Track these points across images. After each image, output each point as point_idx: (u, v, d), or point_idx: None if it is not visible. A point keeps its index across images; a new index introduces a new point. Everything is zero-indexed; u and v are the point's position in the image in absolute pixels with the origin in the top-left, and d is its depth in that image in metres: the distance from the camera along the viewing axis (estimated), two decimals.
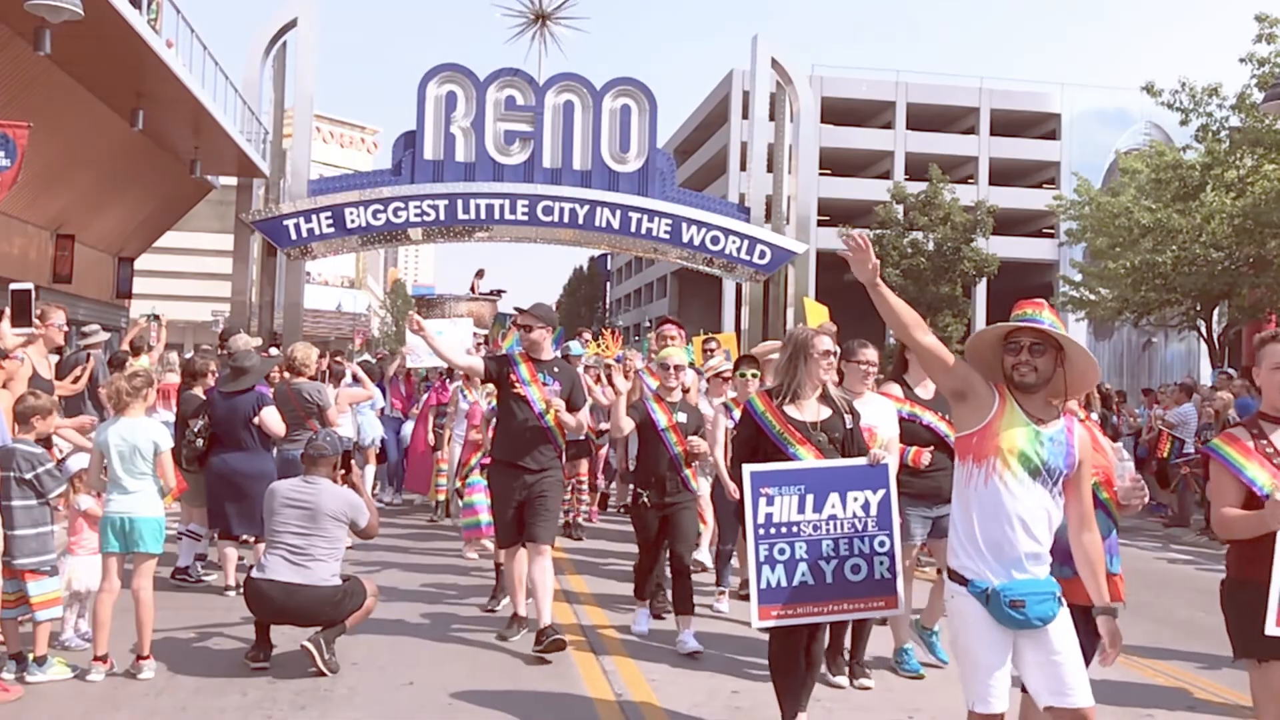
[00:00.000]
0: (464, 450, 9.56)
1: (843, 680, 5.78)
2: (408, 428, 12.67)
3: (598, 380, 10.41)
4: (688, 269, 27.67)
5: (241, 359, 7.93)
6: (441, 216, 20.86)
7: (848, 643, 5.89)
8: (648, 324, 48.20)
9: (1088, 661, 3.64)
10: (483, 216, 20.98)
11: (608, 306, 74.20)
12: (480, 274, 20.09)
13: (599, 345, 12.96)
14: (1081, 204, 25.98)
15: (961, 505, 3.63)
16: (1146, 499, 4.33)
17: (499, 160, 21.15)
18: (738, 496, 5.33)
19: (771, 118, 23.17)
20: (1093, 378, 3.67)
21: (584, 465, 10.92)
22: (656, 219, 21.35)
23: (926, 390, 6.07)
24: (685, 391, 6.96)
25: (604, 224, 21.23)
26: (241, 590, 6.35)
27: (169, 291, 46.58)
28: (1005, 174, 50.88)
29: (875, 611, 5.04)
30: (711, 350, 10.27)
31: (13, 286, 6.99)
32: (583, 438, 9.32)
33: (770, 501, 4.70)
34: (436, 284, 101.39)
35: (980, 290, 41.36)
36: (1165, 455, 13.08)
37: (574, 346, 11.65)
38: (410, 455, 12.42)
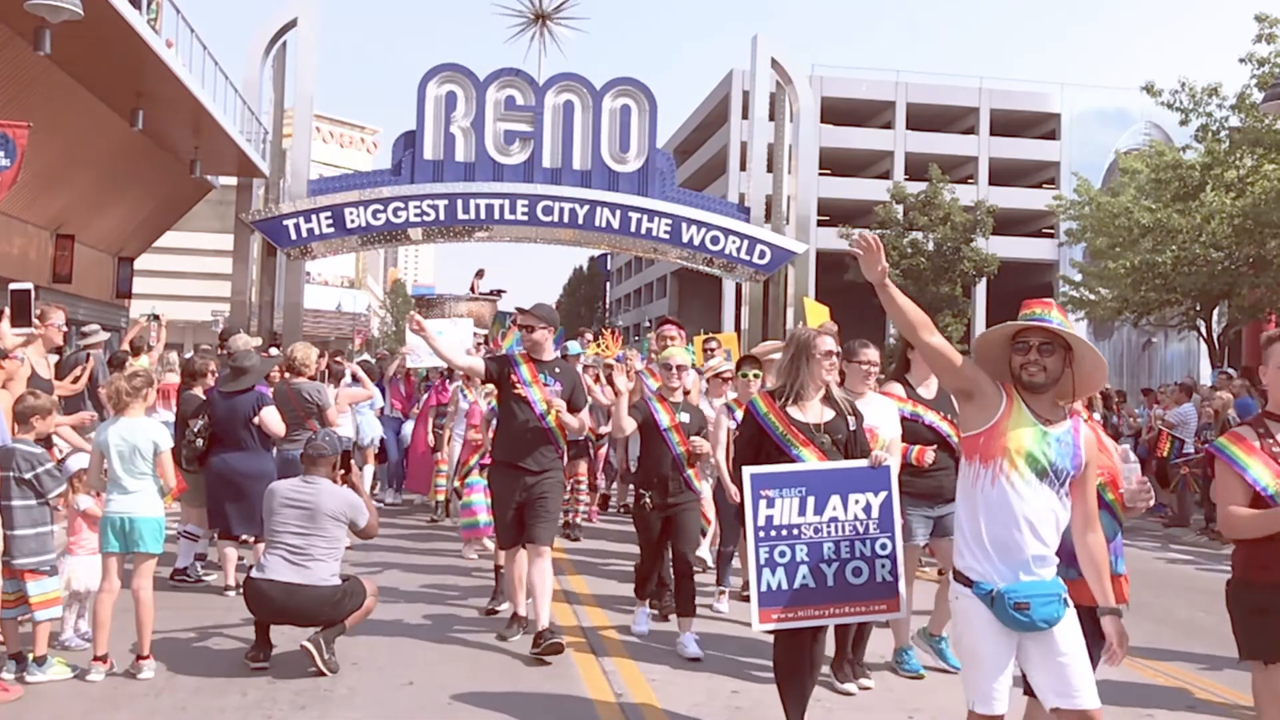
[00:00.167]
0: (463, 450, 9.55)
1: (851, 687, 5.73)
2: (408, 428, 12.65)
3: (596, 380, 10.41)
4: (688, 269, 27.66)
5: (241, 359, 7.93)
6: (441, 216, 20.85)
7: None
8: (648, 324, 48.21)
9: (1093, 663, 3.63)
10: (483, 216, 20.97)
11: (608, 306, 74.20)
12: (480, 274, 20.07)
13: (599, 345, 12.95)
14: (1081, 204, 25.99)
15: (968, 506, 3.60)
16: (1152, 502, 4.31)
17: (499, 160, 21.14)
18: (739, 499, 5.31)
19: (771, 118, 23.15)
20: (1101, 379, 3.64)
21: (583, 465, 10.91)
22: (656, 219, 21.34)
23: (929, 390, 6.06)
24: (686, 393, 6.95)
25: (604, 224, 21.22)
26: (241, 590, 6.35)
27: (169, 291, 46.60)
28: (1005, 174, 50.88)
29: (877, 615, 5.01)
30: (712, 350, 10.25)
31: (12, 286, 6.99)
32: (582, 438, 9.32)
33: (771, 504, 4.69)
34: (436, 284, 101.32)
35: (980, 290, 41.38)
36: (1165, 455, 13.08)
37: (572, 346, 11.64)
38: (410, 455, 12.41)
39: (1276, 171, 19.43)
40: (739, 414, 6.24)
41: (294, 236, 20.47)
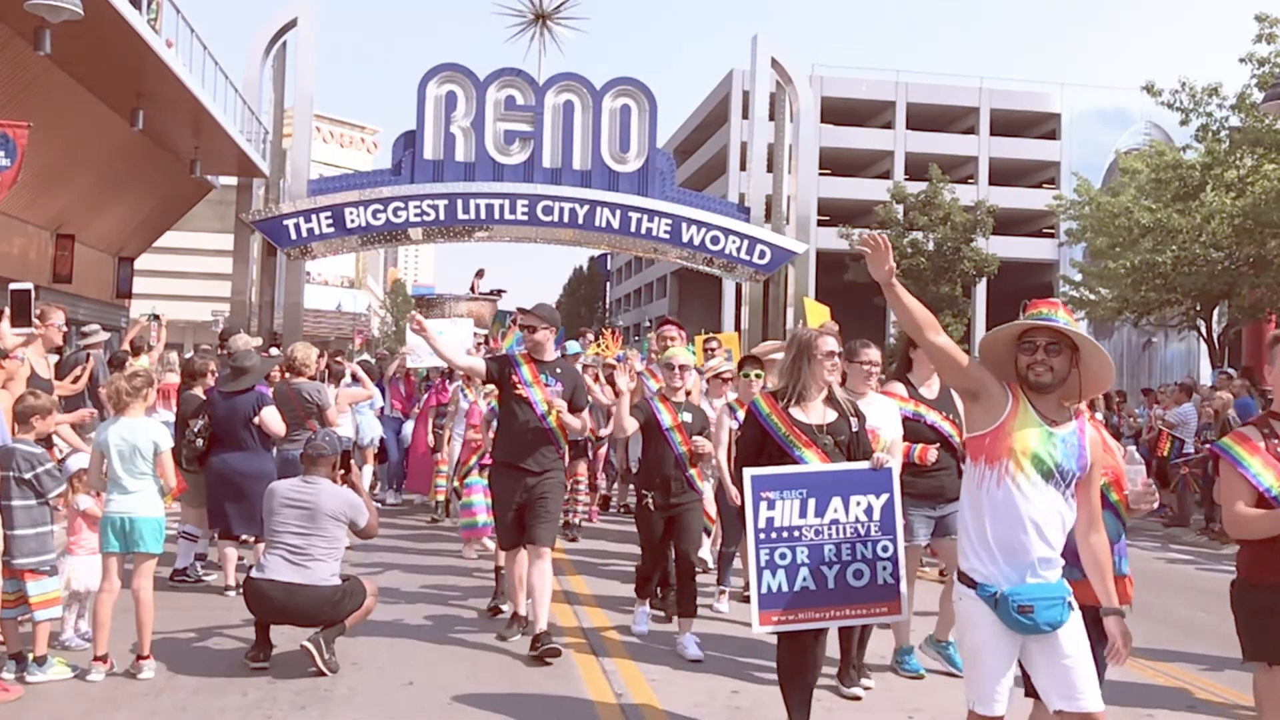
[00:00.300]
0: (463, 450, 9.55)
1: (858, 691, 5.70)
2: (408, 428, 12.65)
3: (596, 379, 10.40)
4: (688, 269, 27.66)
5: (241, 359, 7.92)
6: (441, 216, 20.85)
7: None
8: (648, 324, 48.20)
9: (1097, 663, 3.62)
10: (483, 216, 20.97)
11: (608, 306, 74.19)
12: (480, 274, 20.06)
13: (599, 345, 12.95)
14: (1081, 204, 25.97)
15: (972, 507, 3.58)
16: (1157, 504, 4.31)
17: (499, 160, 21.13)
18: (740, 501, 5.30)
19: (771, 118, 23.14)
20: (1108, 380, 3.61)
21: (582, 465, 10.90)
22: (656, 219, 21.34)
23: (931, 390, 6.06)
24: (688, 393, 6.95)
25: (604, 224, 21.22)
26: (241, 590, 6.34)
27: (169, 291, 46.55)
28: (1005, 174, 50.88)
29: (878, 617, 4.99)
30: (713, 350, 10.24)
31: (12, 286, 6.99)
32: (582, 439, 9.31)
33: (771, 506, 4.68)
34: (436, 284, 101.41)
35: (980, 290, 41.38)
36: (1165, 455, 13.09)
37: (571, 346, 11.63)
38: (410, 455, 12.41)
39: (1277, 171, 19.42)
40: (741, 414, 6.23)
41: (294, 236, 20.47)
